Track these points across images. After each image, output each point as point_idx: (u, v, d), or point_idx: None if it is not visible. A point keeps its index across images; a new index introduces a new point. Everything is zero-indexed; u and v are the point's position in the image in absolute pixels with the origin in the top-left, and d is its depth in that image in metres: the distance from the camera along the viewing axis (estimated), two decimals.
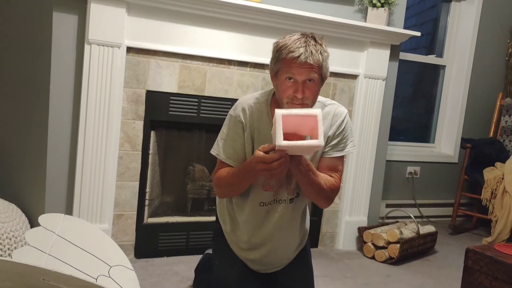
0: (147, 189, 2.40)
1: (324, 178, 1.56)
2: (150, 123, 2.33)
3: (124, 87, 2.22)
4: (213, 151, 1.63)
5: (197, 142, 2.59)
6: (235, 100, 2.42)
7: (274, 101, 1.58)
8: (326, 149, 1.62)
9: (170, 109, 2.34)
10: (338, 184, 1.62)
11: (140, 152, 2.32)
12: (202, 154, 2.63)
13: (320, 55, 1.47)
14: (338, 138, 1.62)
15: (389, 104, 2.94)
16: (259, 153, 1.38)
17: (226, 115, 1.67)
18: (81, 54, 2.12)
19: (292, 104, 1.48)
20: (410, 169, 3.67)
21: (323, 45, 1.50)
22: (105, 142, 2.18)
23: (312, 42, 1.47)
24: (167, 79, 2.30)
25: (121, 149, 2.26)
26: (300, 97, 1.47)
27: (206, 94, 2.40)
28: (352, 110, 2.78)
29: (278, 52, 1.48)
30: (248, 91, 2.46)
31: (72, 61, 2.13)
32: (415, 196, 3.69)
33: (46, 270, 1.37)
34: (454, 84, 3.83)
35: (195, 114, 2.40)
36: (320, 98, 1.59)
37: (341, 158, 1.64)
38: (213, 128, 1.72)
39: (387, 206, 3.42)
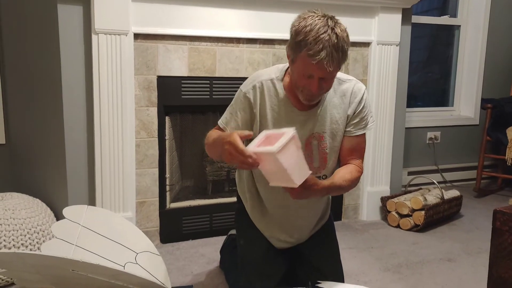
0: (167, 175, 2.41)
1: (342, 177, 1.54)
2: (164, 109, 2.32)
3: (135, 74, 2.21)
4: (220, 122, 1.64)
5: (212, 124, 2.56)
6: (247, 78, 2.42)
7: (288, 77, 1.55)
8: (348, 128, 1.61)
9: (183, 93, 2.33)
10: (359, 169, 1.62)
11: (157, 139, 2.32)
12: None
13: (341, 56, 1.39)
14: (359, 117, 1.60)
15: (404, 70, 2.87)
16: (236, 137, 1.30)
17: None
18: (89, 45, 2.11)
19: (304, 94, 1.45)
20: (430, 134, 3.60)
21: (345, 38, 1.39)
22: (121, 131, 2.18)
23: (334, 38, 1.35)
24: (177, 63, 2.28)
25: (138, 137, 2.27)
26: (315, 93, 1.45)
27: (217, 75, 2.38)
28: (367, 79, 2.73)
29: (297, 44, 1.38)
30: (259, 68, 2.42)
31: (81, 52, 2.13)
32: (437, 161, 3.63)
33: (74, 261, 1.39)
34: (470, 44, 3.72)
35: (208, 96, 2.38)
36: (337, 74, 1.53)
37: (363, 135, 1.63)
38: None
39: (409, 173, 3.38)
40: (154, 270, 1.56)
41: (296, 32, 1.39)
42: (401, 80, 2.83)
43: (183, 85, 2.32)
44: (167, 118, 2.37)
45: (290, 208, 1.66)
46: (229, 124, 1.60)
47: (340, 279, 1.75)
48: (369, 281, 2.00)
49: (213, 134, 1.59)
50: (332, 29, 1.36)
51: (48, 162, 2.37)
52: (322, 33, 1.34)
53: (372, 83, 2.73)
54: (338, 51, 1.37)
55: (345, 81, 1.58)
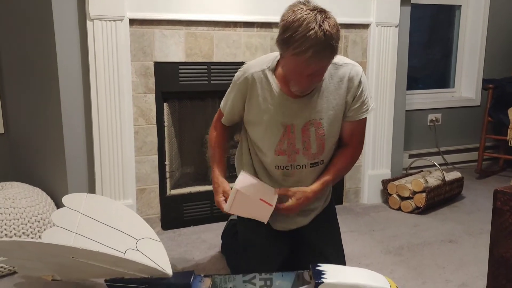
0: (167, 162, 2.40)
1: (337, 165, 1.64)
2: (162, 95, 2.30)
3: (131, 60, 2.19)
4: (221, 105, 1.73)
5: (211, 110, 2.56)
6: (245, 63, 2.40)
7: (279, 67, 1.55)
8: (349, 114, 1.60)
9: (180, 79, 2.31)
10: (356, 150, 1.67)
11: (155, 125, 2.30)
12: None
13: (330, 52, 1.36)
14: (359, 101, 1.59)
15: (404, 52, 2.84)
16: (219, 198, 1.58)
17: None
18: (84, 32, 2.08)
19: (295, 87, 1.48)
20: (431, 116, 3.58)
21: (334, 34, 1.34)
22: (119, 118, 2.17)
23: (321, 35, 1.31)
24: (173, 49, 2.26)
25: (136, 124, 2.25)
26: (305, 88, 1.48)
27: (214, 60, 2.35)
28: (366, 62, 2.70)
29: (284, 41, 1.36)
30: (257, 53, 2.40)
31: (76, 39, 2.10)
32: (438, 143, 3.61)
33: (75, 249, 1.40)
34: (472, 24, 3.67)
35: (206, 82, 2.36)
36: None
37: (365, 118, 1.64)
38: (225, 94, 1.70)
39: (410, 156, 3.37)
40: (155, 256, 1.56)
41: (284, 27, 1.36)
42: (401, 62, 2.80)
43: (180, 71, 2.30)
44: (165, 105, 2.35)
45: (293, 181, 1.67)
46: (224, 108, 1.70)
47: (342, 262, 1.75)
48: (371, 263, 2.01)
49: (213, 136, 1.73)
50: (320, 25, 1.31)
51: (47, 151, 2.36)
52: (309, 31, 1.31)
53: (371, 66, 2.70)
54: (326, 49, 1.34)
55: (342, 65, 1.56)
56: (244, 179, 1.55)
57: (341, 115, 1.60)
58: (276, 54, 1.54)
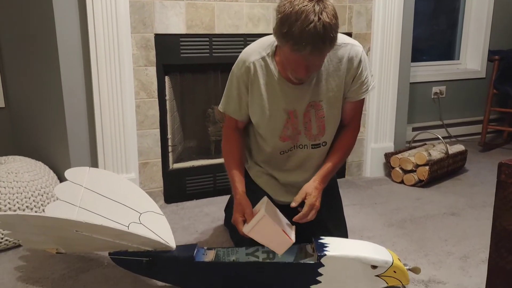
0: (169, 136, 2.39)
1: (338, 151, 1.64)
2: (163, 68, 2.27)
3: (132, 32, 2.15)
4: (220, 107, 1.66)
5: (213, 83, 2.53)
6: (247, 35, 2.36)
7: (278, 53, 1.52)
8: (350, 95, 1.59)
9: (182, 51, 2.27)
10: (356, 131, 1.68)
11: (157, 99, 2.28)
12: (219, 96, 2.55)
13: (329, 44, 1.32)
14: (359, 82, 1.57)
15: (409, 23, 2.78)
16: (237, 218, 1.52)
17: (239, 52, 1.63)
18: (83, 3, 2.03)
19: (293, 76, 1.46)
20: (435, 89, 3.54)
21: (333, 25, 1.30)
22: (120, 92, 2.15)
23: (321, 28, 1.27)
24: (174, 20, 2.21)
25: (137, 98, 2.23)
26: (304, 77, 1.46)
27: (216, 32, 2.31)
28: (371, 33, 2.65)
29: (282, 35, 1.32)
30: (259, 24, 2.36)
31: (75, 11, 2.06)
32: (442, 116, 3.59)
33: (78, 222, 1.40)
34: None
35: (208, 54, 2.33)
36: None
37: (364, 98, 1.63)
38: (227, 67, 1.67)
39: (414, 129, 3.35)
40: (158, 230, 1.57)
41: (281, 20, 1.32)
42: (406, 33, 2.75)
43: (182, 43, 2.26)
44: (166, 78, 2.32)
45: (290, 172, 1.71)
46: (236, 112, 1.62)
47: (344, 234, 1.76)
48: (373, 236, 2.01)
49: (227, 145, 1.68)
50: (319, 18, 1.27)
51: (48, 125, 2.35)
52: (308, 25, 1.26)
53: (376, 37, 2.65)
54: (325, 41, 1.30)
55: (340, 45, 1.52)
56: (268, 206, 1.50)
57: (341, 96, 1.59)
58: (274, 39, 1.50)
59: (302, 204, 1.53)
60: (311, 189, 1.55)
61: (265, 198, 1.55)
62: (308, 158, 1.67)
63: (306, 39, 1.27)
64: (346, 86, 1.57)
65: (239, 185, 1.60)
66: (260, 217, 1.42)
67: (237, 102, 1.60)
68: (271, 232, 1.45)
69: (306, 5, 1.27)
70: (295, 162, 1.68)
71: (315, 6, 1.27)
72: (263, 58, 1.53)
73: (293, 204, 1.52)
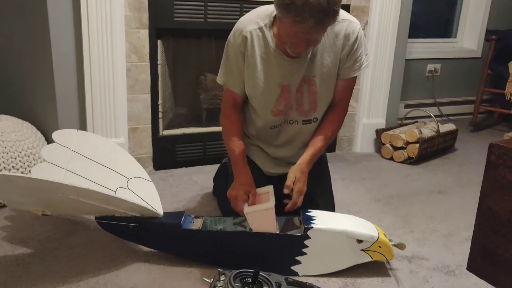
0: (160, 101, 2.35)
1: (325, 132, 1.61)
2: (156, 32, 2.21)
3: None
4: (219, 80, 1.61)
5: (207, 50, 2.48)
6: (243, 1, 2.30)
7: (275, 24, 1.48)
8: (342, 71, 1.56)
9: (175, 15, 2.21)
10: (344, 112, 1.65)
11: (148, 63, 2.23)
12: (213, 63, 2.53)
13: (332, 18, 1.29)
14: (352, 59, 1.54)
15: None
16: (241, 194, 1.53)
17: (234, 19, 1.59)
18: None
19: (291, 50, 1.43)
20: (430, 67, 3.52)
21: None
22: (111, 54, 2.09)
23: (325, 1, 1.23)
24: None
25: (128, 61, 2.18)
26: (303, 51, 1.43)
27: None
28: (369, 6, 2.60)
29: (284, 7, 1.29)
30: None
31: None
32: (435, 95, 3.58)
33: (64, 185, 1.38)
34: None
35: (202, 20, 2.27)
36: None
37: (355, 77, 1.61)
38: (222, 34, 1.62)
39: (406, 106, 3.34)
40: (146, 196, 1.56)
41: None
42: (405, 8, 2.70)
43: (176, 6, 2.20)
44: (159, 42, 2.27)
45: (280, 147, 1.71)
46: (237, 85, 1.58)
47: (331, 208, 1.77)
48: (360, 211, 2.03)
49: (227, 122, 1.63)
50: None
51: (37, 84, 2.30)
52: None
53: (374, 11, 2.60)
54: (329, 15, 1.27)
55: (338, 21, 1.47)
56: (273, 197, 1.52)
57: (335, 73, 1.57)
58: (272, 9, 1.46)
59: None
60: (299, 173, 1.55)
61: (270, 187, 1.56)
62: (298, 133, 1.66)
63: (309, 11, 1.24)
64: (341, 62, 1.55)
65: (244, 164, 1.60)
66: (268, 207, 1.46)
67: (237, 75, 1.56)
68: (268, 223, 1.48)
69: None
70: (285, 137, 1.68)
71: None
72: (261, 29, 1.49)
73: (286, 191, 1.54)
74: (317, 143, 1.61)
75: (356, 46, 1.52)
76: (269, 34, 1.49)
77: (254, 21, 1.50)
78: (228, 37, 1.55)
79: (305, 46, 1.39)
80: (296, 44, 1.39)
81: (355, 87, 1.66)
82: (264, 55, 1.50)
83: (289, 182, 1.54)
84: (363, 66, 1.58)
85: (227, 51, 1.56)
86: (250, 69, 1.53)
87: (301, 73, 1.53)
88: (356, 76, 1.61)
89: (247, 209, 1.49)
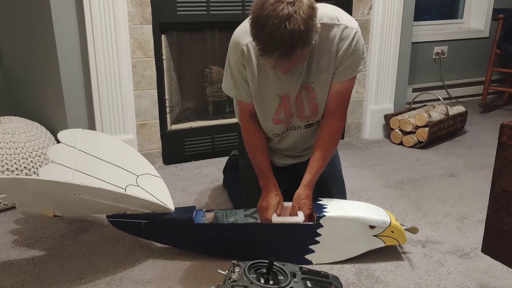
0: (166, 96, 2.35)
1: (323, 149, 1.58)
2: (160, 26, 2.21)
3: None
4: (227, 92, 1.60)
5: (211, 43, 2.47)
6: None
7: None
8: (335, 75, 1.52)
9: (178, 9, 2.20)
10: (339, 123, 1.59)
11: (153, 59, 2.23)
12: (217, 56, 2.53)
13: (301, 45, 1.26)
14: (347, 62, 1.50)
15: None
16: (273, 205, 1.55)
17: (236, 11, 1.56)
18: None
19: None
20: (437, 49, 3.48)
21: (304, 31, 1.22)
22: (116, 51, 2.09)
23: (287, 36, 1.21)
24: None
25: (133, 57, 2.18)
26: (288, 72, 1.43)
27: None
28: None
29: (252, 35, 1.29)
30: None
31: None
32: (443, 77, 3.54)
33: (75, 185, 1.39)
34: None
35: (205, 12, 2.26)
36: (325, 18, 1.42)
37: (351, 79, 1.55)
38: (225, 26, 1.62)
39: (414, 90, 3.31)
40: (156, 192, 1.56)
41: (251, 22, 1.27)
42: None
43: (178, 0, 2.19)
44: (163, 37, 2.26)
45: (285, 151, 1.72)
46: (240, 96, 1.58)
47: (343, 196, 1.76)
48: (371, 197, 2.02)
49: (248, 135, 1.63)
50: (286, 25, 1.20)
51: (44, 85, 2.31)
52: (275, 32, 1.21)
53: None
54: (294, 48, 1.25)
55: (333, 26, 1.44)
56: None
57: (331, 76, 1.54)
58: None
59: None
60: (304, 199, 1.55)
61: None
62: (302, 137, 1.66)
63: (272, 45, 1.24)
64: (335, 66, 1.52)
65: (272, 177, 1.61)
66: (297, 221, 1.51)
67: (244, 84, 1.55)
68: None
69: (276, 8, 1.21)
70: (289, 141, 1.67)
71: (285, 9, 1.20)
72: None
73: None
74: (317, 162, 1.58)
75: (351, 49, 1.48)
76: None
77: (249, 33, 1.48)
78: (228, 50, 1.53)
79: (284, 70, 1.40)
80: (277, 68, 1.39)
81: (361, 73, 1.61)
82: (261, 66, 1.49)
83: (293, 210, 1.56)
84: (357, 69, 1.52)
85: (229, 64, 1.54)
86: (249, 80, 1.53)
87: (298, 82, 1.51)
88: (352, 82, 1.56)
89: (276, 219, 1.52)
